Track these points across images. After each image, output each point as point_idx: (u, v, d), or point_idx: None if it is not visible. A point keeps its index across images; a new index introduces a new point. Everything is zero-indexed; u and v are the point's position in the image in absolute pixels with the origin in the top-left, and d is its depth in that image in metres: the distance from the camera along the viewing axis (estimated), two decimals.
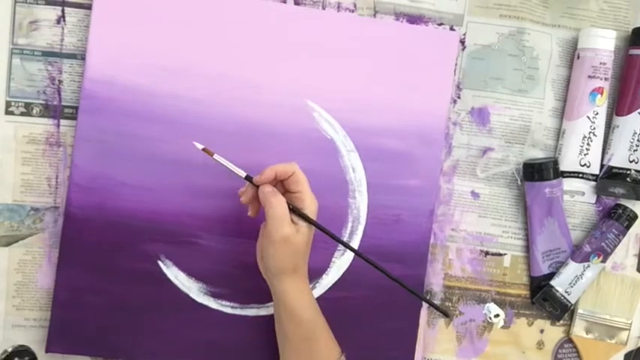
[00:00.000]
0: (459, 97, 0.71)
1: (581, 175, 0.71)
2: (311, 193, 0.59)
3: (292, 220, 0.57)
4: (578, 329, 0.72)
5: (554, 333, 0.73)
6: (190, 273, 0.65)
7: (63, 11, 0.64)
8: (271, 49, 0.66)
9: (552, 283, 0.71)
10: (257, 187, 0.59)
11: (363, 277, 0.68)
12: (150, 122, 0.64)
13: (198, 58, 0.65)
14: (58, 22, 0.64)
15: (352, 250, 0.61)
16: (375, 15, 0.69)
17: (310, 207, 0.58)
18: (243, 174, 0.58)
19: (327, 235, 0.59)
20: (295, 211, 0.58)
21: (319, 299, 0.66)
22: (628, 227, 0.71)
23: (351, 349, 0.63)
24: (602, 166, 0.71)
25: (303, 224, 0.58)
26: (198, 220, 0.65)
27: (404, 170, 0.68)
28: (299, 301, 0.59)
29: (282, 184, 0.60)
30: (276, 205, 0.56)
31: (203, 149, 0.58)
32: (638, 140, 0.69)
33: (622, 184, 0.70)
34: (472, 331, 0.72)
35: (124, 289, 0.64)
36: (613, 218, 0.71)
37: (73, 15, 0.65)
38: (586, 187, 0.72)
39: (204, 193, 0.65)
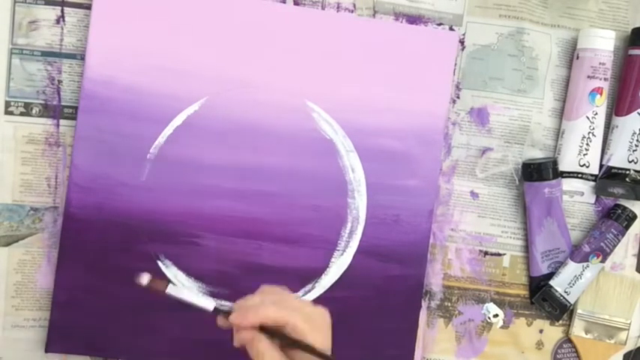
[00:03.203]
0: (458, 97, 0.71)
1: (580, 176, 0.71)
2: (314, 331, 0.48)
3: (282, 350, 0.47)
4: (578, 329, 0.72)
5: (553, 333, 0.73)
6: (190, 273, 0.65)
7: (62, 11, 0.64)
8: (271, 49, 0.66)
9: (551, 283, 0.71)
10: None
11: (362, 277, 0.68)
12: (150, 122, 0.64)
13: (198, 58, 0.65)
14: (58, 22, 0.64)
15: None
16: (374, 15, 0.69)
17: (315, 343, 0.47)
18: (211, 307, 0.49)
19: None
20: (300, 346, 0.47)
21: (319, 299, 0.66)
22: (627, 227, 0.71)
23: (351, 349, 0.63)
24: (601, 166, 0.71)
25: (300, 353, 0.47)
26: (197, 220, 0.65)
27: (403, 170, 0.68)
28: None
29: None
30: (259, 350, 0.46)
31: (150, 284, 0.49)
32: (637, 140, 0.69)
33: (621, 184, 0.70)
34: (471, 331, 0.72)
35: (124, 289, 0.64)
36: (612, 218, 0.71)
37: (72, 15, 0.65)
38: (585, 187, 0.72)
39: (204, 193, 0.65)
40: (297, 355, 0.47)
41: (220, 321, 0.50)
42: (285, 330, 0.47)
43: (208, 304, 0.48)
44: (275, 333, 0.47)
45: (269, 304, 0.47)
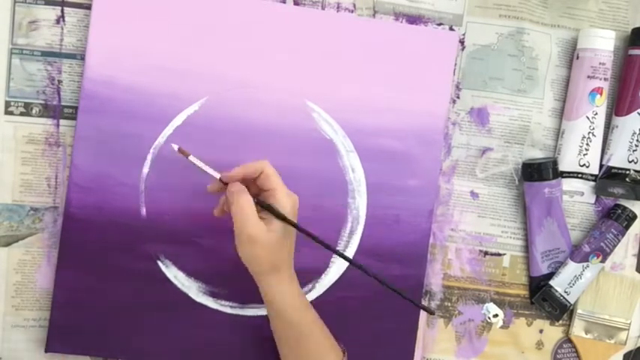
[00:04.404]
0: (458, 97, 0.71)
1: (580, 176, 0.71)
2: (285, 189, 0.58)
3: (263, 218, 0.56)
4: (578, 329, 0.72)
5: (553, 333, 0.73)
6: (189, 273, 0.66)
7: (62, 11, 0.64)
8: (271, 49, 0.66)
9: (551, 283, 0.71)
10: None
11: (362, 277, 0.67)
12: (150, 122, 0.64)
13: (198, 58, 0.65)
14: (58, 22, 0.64)
15: (334, 250, 0.59)
16: (374, 15, 0.69)
17: (283, 204, 0.57)
18: (217, 175, 0.58)
19: (309, 235, 0.59)
20: (266, 207, 0.57)
21: (319, 299, 0.67)
22: (627, 227, 0.71)
23: (351, 349, 0.63)
24: (601, 166, 0.71)
25: (275, 222, 0.56)
26: (197, 220, 0.65)
27: (403, 170, 0.68)
28: (283, 303, 0.58)
29: (255, 183, 0.59)
30: (239, 203, 0.55)
31: (179, 150, 0.58)
32: (637, 140, 0.69)
33: (621, 184, 0.70)
34: (471, 331, 0.72)
35: (123, 289, 0.64)
36: (612, 218, 0.71)
37: (72, 15, 0.65)
38: (585, 187, 0.72)
39: (204, 193, 0.65)
40: (268, 221, 0.56)
41: (212, 186, 0.60)
42: (260, 179, 0.57)
43: (215, 174, 0.58)
44: (255, 198, 0.57)
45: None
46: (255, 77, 0.66)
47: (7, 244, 0.64)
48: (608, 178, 0.71)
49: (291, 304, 0.58)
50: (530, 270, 0.72)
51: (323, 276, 0.67)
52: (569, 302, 0.71)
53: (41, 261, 0.65)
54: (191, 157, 0.58)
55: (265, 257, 0.56)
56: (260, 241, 0.55)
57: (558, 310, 0.71)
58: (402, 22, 0.69)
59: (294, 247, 0.59)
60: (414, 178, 0.69)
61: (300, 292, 0.60)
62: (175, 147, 0.59)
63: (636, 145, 0.69)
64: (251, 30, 0.66)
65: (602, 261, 0.71)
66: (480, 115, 0.71)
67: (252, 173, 0.58)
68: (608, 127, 0.71)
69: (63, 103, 0.65)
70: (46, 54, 0.64)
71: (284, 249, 0.58)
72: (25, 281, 0.65)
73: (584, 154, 0.70)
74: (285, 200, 0.57)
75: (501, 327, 0.72)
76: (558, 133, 0.72)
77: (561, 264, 0.71)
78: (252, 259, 0.57)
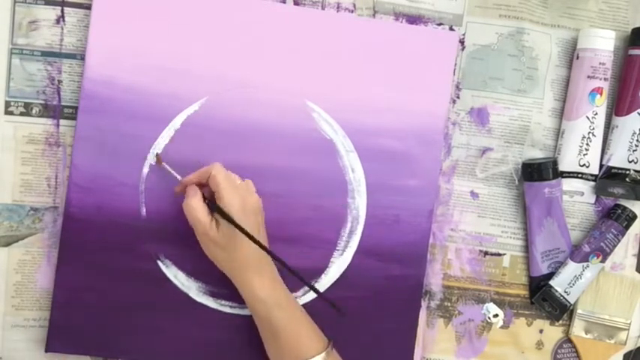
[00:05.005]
0: (458, 97, 0.71)
1: (580, 176, 0.71)
2: (231, 190, 0.58)
3: (217, 219, 0.59)
4: (578, 329, 0.72)
5: (553, 333, 0.73)
6: (189, 272, 0.66)
7: (62, 11, 0.64)
8: (271, 49, 0.66)
9: (551, 283, 0.71)
10: None
11: (362, 277, 0.68)
12: (150, 122, 0.64)
13: (198, 58, 0.65)
14: (58, 22, 0.64)
15: (273, 255, 0.59)
16: (374, 15, 0.69)
17: (226, 203, 0.58)
18: (179, 178, 0.62)
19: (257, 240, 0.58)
20: (211, 207, 0.59)
21: (319, 299, 0.66)
22: (627, 227, 0.71)
23: (350, 349, 0.63)
24: (601, 166, 0.71)
25: (223, 222, 0.58)
26: None
27: (403, 170, 0.68)
28: (251, 298, 0.60)
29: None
30: (188, 204, 0.59)
31: (156, 155, 0.64)
32: (637, 140, 0.69)
33: (621, 184, 0.70)
34: (471, 331, 0.72)
35: (124, 289, 0.64)
36: (612, 218, 0.71)
37: (72, 15, 0.65)
38: (585, 187, 0.72)
39: None
40: (220, 221, 0.58)
41: (177, 188, 0.63)
42: (209, 183, 0.59)
43: (178, 177, 0.62)
44: (207, 200, 0.59)
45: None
46: (255, 77, 0.66)
47: (7, 244, 0.64)
48: (608, 178, 0.71)
49: (259, 300, 0.59)
50: (530, 270, 0.72)
51: (323, 276, 0.67)
52: (569, 302, 0.71)
53: (41, 261, 0.65)
54: (164, 164, 0.63)
55: (221, 254, 0.60)
56: (212, 239, 0.58)
57: (558, 310, 0.71)
58: (402, 22, 0.69)
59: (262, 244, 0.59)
60: (414, 178, 0.69)
61: (271, 287, 0.60)
62: (157, 152, 0.64)
63: (636, 145, 0.69)
64: (251, 30, 0.66)
65: (602, 261, 0.71)
66: (480, 115, 0.71)
67: (202, 178, 0.60)
68: (608, 127, 0.71)
69: (63, 103, 0.65)
70: (46, 54, 0.64)
71: (243, 246, 0.58)
72: (25, 281, 0.65)
73: (584, 154, 0.70)
74: (230, 199, 0.58)
75: (501, 327, 0.72)
76: (558, 133, 0.72)
77: (561, 264, 0.71)
78: (212, 257, 0.61)
